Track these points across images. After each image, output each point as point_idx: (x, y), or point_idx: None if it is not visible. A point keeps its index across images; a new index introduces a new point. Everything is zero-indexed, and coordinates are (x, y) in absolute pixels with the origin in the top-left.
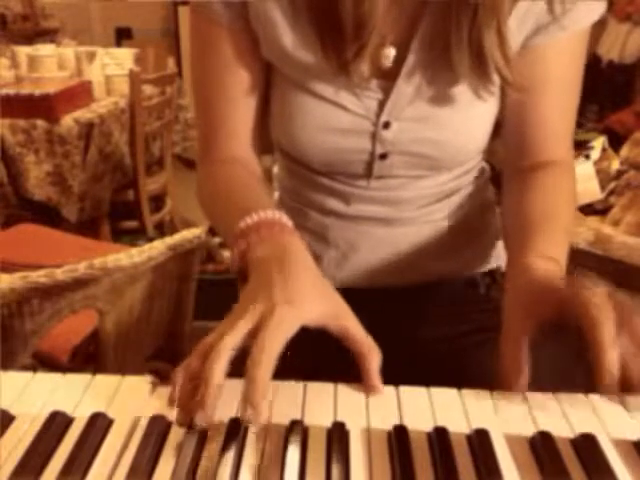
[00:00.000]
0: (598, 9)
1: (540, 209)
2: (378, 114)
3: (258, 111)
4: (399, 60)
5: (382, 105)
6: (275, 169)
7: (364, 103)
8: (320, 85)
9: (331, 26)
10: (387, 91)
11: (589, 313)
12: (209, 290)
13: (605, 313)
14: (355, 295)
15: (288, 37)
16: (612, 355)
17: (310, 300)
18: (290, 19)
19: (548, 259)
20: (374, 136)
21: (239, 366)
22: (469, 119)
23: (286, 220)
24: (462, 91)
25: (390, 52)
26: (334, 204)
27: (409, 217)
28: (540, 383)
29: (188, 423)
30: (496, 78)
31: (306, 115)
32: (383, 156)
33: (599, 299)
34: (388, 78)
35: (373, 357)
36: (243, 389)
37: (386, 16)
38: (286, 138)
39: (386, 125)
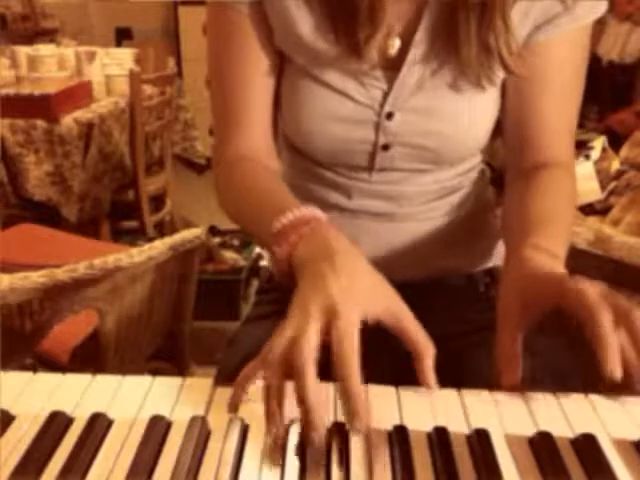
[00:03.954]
0: (600, 5)
1: (540, 211)
2: (382, 104)
3: (274, 99)
4: (404, 51)
5: (386, 95)
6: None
7: (369, 92)
8: (328, 73)
9: (345, 10)
10: (391, 81)
11: (586, 304)
12: (209, 290)
13: (602, 304)
14: None
15: (302, 24)
16: (613, 340)
17: (369, 295)
18: (304, 6)
19: (547, 252)
20: (377, 126)
21: None
22: (472, 111)
23: (320, 214)
24: (465, 82)
25: (395, 43)
26: (336, 198)
27: (409, 213)
28: (540, 383)
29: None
30: (500, 70)
31: (313, 103)
32: (385, 147)
33: (595, 292)
34: (393, 69)
35: (427, 356)
36: (342, 402)
37: (394, 7)
38: (292, 127)
39: (389, 116)
